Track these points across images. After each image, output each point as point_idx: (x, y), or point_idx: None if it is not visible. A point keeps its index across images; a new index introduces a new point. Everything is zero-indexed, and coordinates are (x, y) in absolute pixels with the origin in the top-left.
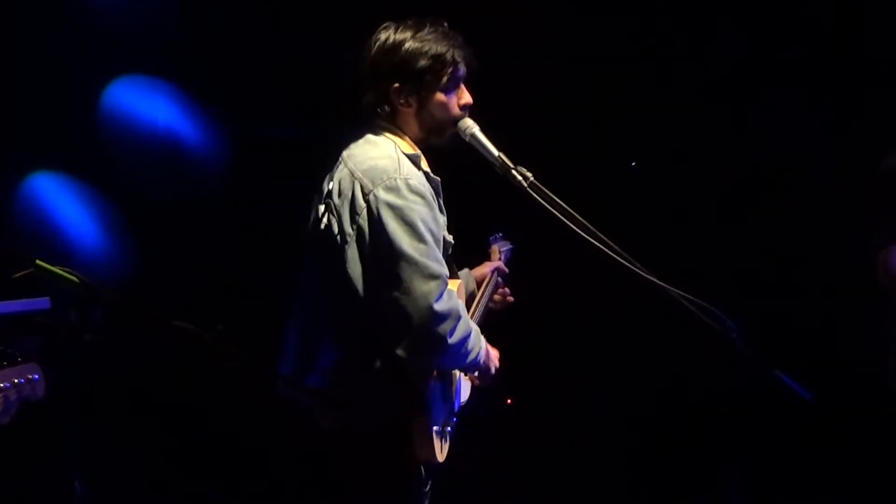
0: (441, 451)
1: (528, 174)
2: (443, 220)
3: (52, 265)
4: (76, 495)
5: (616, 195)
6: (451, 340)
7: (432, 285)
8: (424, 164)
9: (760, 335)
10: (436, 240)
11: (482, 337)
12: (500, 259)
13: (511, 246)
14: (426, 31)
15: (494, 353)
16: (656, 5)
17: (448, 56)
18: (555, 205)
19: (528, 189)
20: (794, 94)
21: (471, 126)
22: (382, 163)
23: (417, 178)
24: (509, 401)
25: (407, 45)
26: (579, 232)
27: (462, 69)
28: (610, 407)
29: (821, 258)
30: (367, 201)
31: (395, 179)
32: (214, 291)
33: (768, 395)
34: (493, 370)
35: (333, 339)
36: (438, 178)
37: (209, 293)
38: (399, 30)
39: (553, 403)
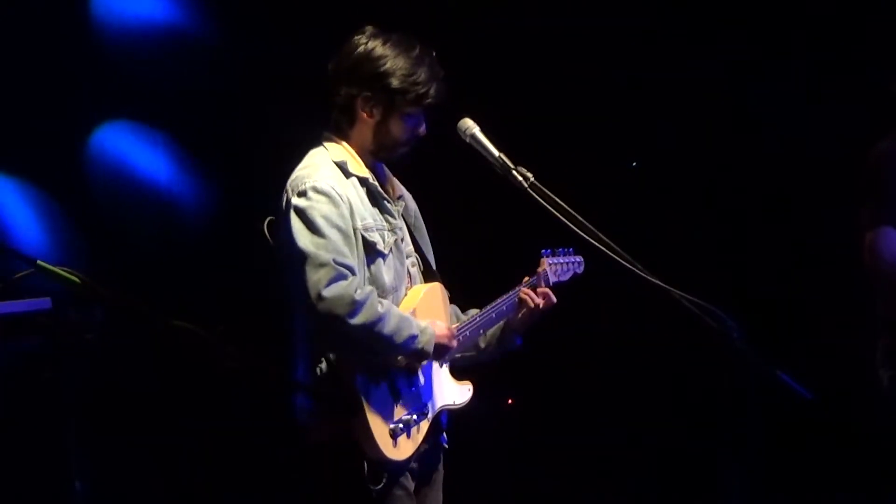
0: (395, 447)
1: (529, 175)
2: (372, 218)
3: (53, 265)
4: (76, 495)
5: (616, 195)
6: (352, 322)
7: (321, 273)
8: (356, 169)
9: (761, 335)
10: (343, 234)
11: (415, 322)
12: (546, 273)
13: (572, 260)
14: (415, 53)
15: (443, 333)
16: (656, 5)
17: (425, 88)
18: (555, 205)
19: (528, 190)
20: (793, 88)
21: (471, 127)
22: (302, 172)
23: (327, 181)
24: (510, 401)
25: (392, 61)
26: (579, 232)
27: (432, 103)
28: (609, 407)
29: (820, 256)
30: (286, 209)
31: (305, 184)
32: (214, 291)
33: (769, 395)
34: (447, 352)
35: (295, 349)
36: (374, 182)
37: (209, 293)
38: (388, 43)
39: (553, 404)
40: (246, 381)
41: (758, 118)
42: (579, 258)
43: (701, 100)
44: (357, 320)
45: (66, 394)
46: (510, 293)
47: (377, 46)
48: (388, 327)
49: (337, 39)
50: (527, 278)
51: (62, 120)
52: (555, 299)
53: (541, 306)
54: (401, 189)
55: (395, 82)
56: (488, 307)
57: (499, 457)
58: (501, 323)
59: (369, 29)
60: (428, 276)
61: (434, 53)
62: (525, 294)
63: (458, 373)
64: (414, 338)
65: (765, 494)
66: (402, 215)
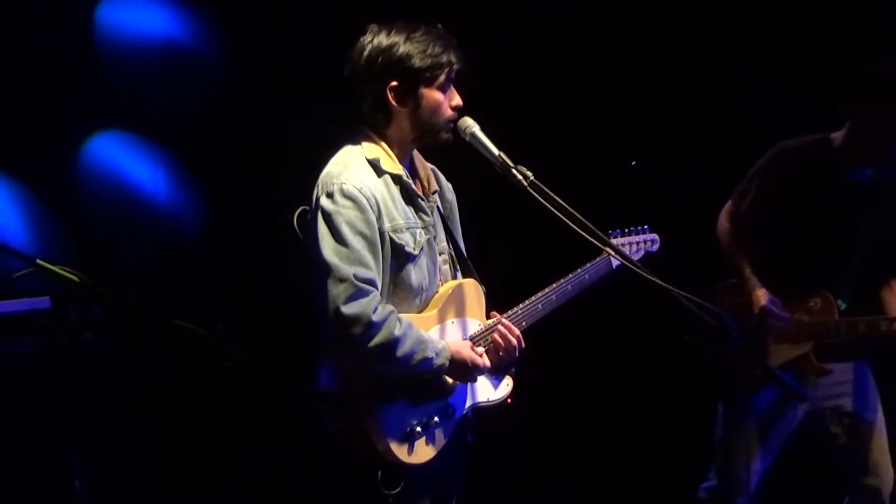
0: (413, 452)
1: (529, 173)
2: (404, 217)
3: (52, 265)
4: (76, 495)
5: (616, 195)
6: (366, 346)
7: (340, 288)
8: (389, 166)
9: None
10: (367, 241)
11: (431, 344)
12: (608, 257)
13: (644, 238)
14: (421, 31)
15: (467, 357)
16: (655, 4)
17: (445, 57)
18: (555, 204)
19: (528, 188)
20: (790, 86)
21: (471, 125)
22: (333, 169)
23: (354, 182)
24: (509, 400)
25: (404, 44)
26: (579, 231)
27: (456, 69)
28: (609, 405)
29: None
30: (315, 207)
31: (334, 185)
32: (214, 291)
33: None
34: (465, 375)
35: (318, 346)
36: (408, 179)
37: (209, 293)
38: (393, 31)
39: (552, 403)
40: (246, 380)
41: (757, 117)
42: (653, 236)
43: (700, 98)
44: (372, 343)
45: (65, 393)
46: (547, 291)
47: (384, 38)
48: (401, 350)
49: (336, 35)
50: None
51: (60, 120)
52: (514, 343)
53: (503, 348)
54: (437, 182)
55: (415, 62)
56: (529, 300)
57: (497, 456)
58: None
59: (370, 27)
60: (463, 268)
61: (440, 25)
62: (499, 334)
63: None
64: (429, 360)
65: (764, 494)
66: (437, 208)
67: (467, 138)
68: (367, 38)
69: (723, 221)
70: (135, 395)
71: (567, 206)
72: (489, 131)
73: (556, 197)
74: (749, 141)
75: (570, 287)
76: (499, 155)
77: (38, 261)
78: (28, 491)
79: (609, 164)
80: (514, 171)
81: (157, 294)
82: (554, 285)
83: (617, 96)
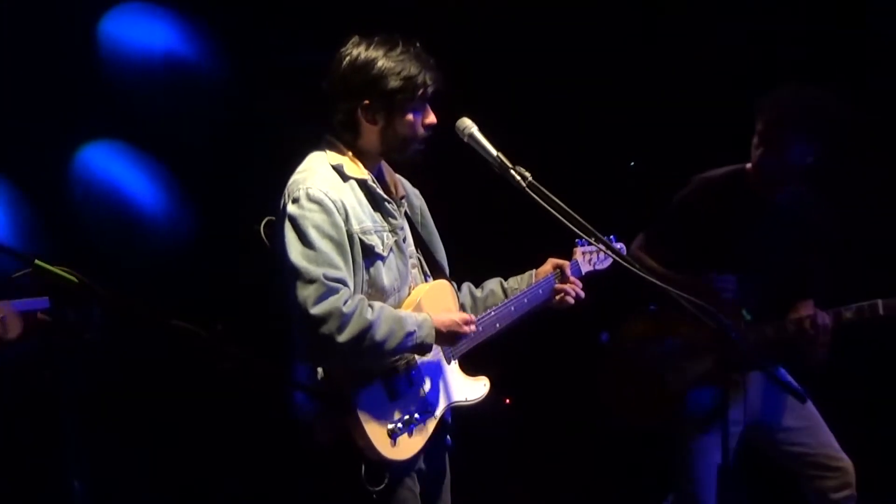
0: (395, 447)
1: (527, 174)
2: (371, 220)
3: (51, 265)
4: (76, 495)
5: (616, 195)
6: (340, 339)
7: (310, 289)
8: (353, 171)
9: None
10: (335, 243)
11: (410, 318)
12: (576, 263)
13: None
14: (399, 50)
15: (451, 321)
16: (655, 4)
17: (420, 78)
18: (553, 205)
19: (526, 189)
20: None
21: (469, 126)
22: (299, 176)
23: (320, 187)
24: (507, 401)
25: (380, 63)
26: (578, 232)
27: (430, 91)
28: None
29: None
30: (282, 214)
31: (300, 190)
32: (214, 291)
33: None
34: (455, 339)
35: (294, 351)
36: (374, 184)
37: (209, 293)
38: (371, 46)
39: (551, 403)
40: (244, 380)
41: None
42: (619, 245)
43: (699, 97)
44: (345, 335)
45: (64, 393)
46: (533, 287)
47: (361, 54)
48: (379, 333)
49: (329, 37)
50: (551, 267)
51: (58, 123)
52: (583, 294)
53: (570, 301)
54: (405, 188)
55: (390, 83)
56: (510, 299)
57: (495, 455)
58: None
59: (352, 39)
60: (435, 273)
61: (418, 44)
62: (560, 287)
63: (472, 368)
64: (411, 335)
65: (763, 494)
66: (407, 214)
67: (465, 139)
68: (346, 50)
69: (641, 255)
70: (134, 395)
71: (565, 207)
72: (487, 132)
73: (554, 198)
74: (747, 141)
75: (540, 291)
76: (497, 156)
77: (37, 261)
78: (28, 491)
79: (608, 164)
80: (512, 171)
81: (158, 294)
82: (526, 288)
83: (615, 97)
